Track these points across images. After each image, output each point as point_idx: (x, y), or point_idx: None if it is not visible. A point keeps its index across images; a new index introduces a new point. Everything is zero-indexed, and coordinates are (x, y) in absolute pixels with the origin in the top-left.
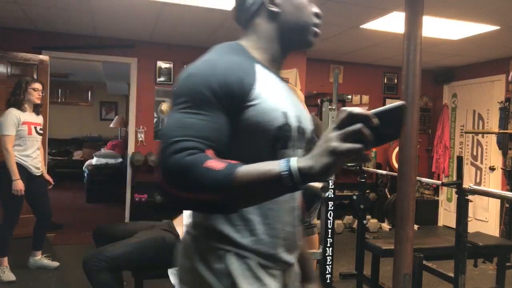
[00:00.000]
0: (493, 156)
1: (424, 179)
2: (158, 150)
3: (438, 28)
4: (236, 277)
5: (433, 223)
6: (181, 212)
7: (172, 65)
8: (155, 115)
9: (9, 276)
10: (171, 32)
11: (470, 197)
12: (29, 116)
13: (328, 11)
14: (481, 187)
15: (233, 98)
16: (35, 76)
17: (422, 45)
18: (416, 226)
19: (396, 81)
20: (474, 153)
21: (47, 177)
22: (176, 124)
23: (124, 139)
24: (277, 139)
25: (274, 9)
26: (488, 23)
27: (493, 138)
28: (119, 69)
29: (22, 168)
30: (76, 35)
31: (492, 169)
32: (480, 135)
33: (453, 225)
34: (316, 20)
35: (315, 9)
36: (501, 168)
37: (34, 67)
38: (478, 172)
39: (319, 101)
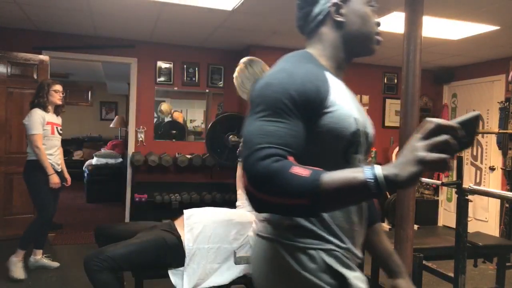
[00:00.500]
0: (493, 156)
1: (424, 179)
2: (243, 156)
3: (438, 28)
4: (337, 268)
5: (433, 223)
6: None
7: (172, 65)
8: (155, 115)
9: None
10: (171, 32)
11: (470, 197)
12: (51, 117)
13: None
14: (481, 187)
15: (310, 106)
16: (35, 76)
17: (422, 45)
18: (416, 226)
19: (396, 81)
20: (474, 153)
21: (67, 175)
22: (258, 131)
23: (124, 139)
24: (350, 144)
25: (340, 19)
26: (488, 23)
27: (493, 138)
28: (119, 69)
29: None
30: (76, 35)
31: (492, 169)
32: (480, 135)
33: (453, 225)
34: (378, 29)
35: (377, 19)
36: (501, 168)
37: (34, 67)
38: (478, 172)
39: None
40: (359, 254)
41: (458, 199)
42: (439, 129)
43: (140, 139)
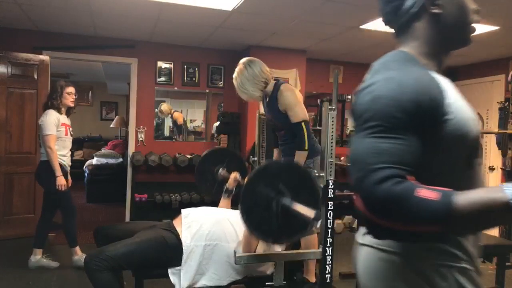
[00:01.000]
0: (493, 156)
1: None
2: (355, 178)
3: None
4: None
5: None
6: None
7: (172, 65)
8: (155, 115)
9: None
10: (171, 32)
11: None
12: (65, 118)
13: (327, 12)
14: None
15: (426, 116)
16: (35, 76)
17: None
18: None
19: None
20: None
21: (69, 176)
22: (371, 150)
23: (125, 139)
24: (473, 148)
25: (437, 10)
26: (488, 23)
27: (493, 138)
28: (120, 69)
29: (60, 166)
30: (76, 35)
31: (491, 169)
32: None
33: None
34: (477, 17)
35: (474, 5)
36: (501, 168)
37: (34, 67)
38: None
39: (318, 101)
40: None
41: None
42: None
43: (141, 139)
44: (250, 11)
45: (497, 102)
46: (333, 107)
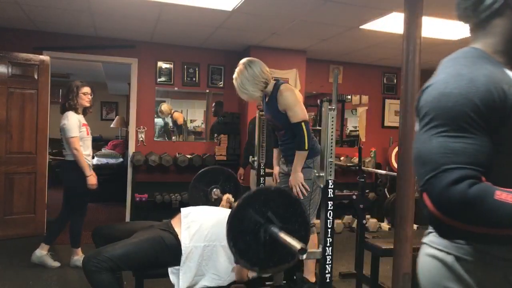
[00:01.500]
0: None
1: None
2: (424, 178)
3: (437, 28)
4: None
5: None
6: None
7: (172, 65)
8: (156, 115)
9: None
10: (171, 32)
11: None
12: (83, 119)
13: (328, 12)
14: None
15: (499, 115)
16: (35, 77)
17: (421, 45)
18: (415, 226)
19: (395, 81)
20: None
21: None
22: (441, 149)
23: (125, 139)
24: None
25: None
26: None
27: None
28: (120, 69)
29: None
30: (76, 36)
31: None
32: None
33: None
34: None
35: None
36: None
37: (35, 67)
38: None
39: (318, 101)
40: None
41: None
42: None
43: (141, 139)
44: (250, 11)
45: None
46: (333, 107)
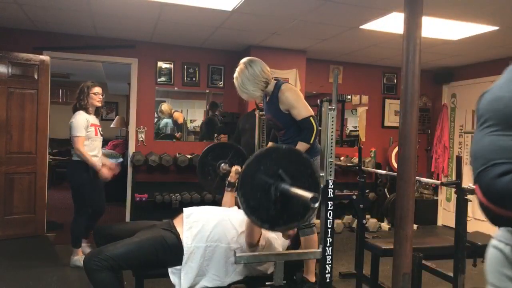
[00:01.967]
0: None
1: (423, 179)
2: (476, 172)
3: (437, 28)
4: None
5: (432, 222)
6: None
7: (172, 65)
8: (156, 115)
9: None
10: (171, 32)
11: (469, 196)
12: (93, 119)
13: (328, 12)
14: None
15: None
16: (35, 77)
17: (421, 45)
18: (415, 226)
19: (395, 81)
20: None
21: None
22: (491, 146)
23: (125, 139)
24: None
25: None
26: (487, 24)
27: None
28: (120, 69)
29: (90, 166)
30: (76, 36)
31: None
32: None
33: (453, 224)
34: None
35: None
36: None
37: (35, 68)
38: None
39: (318, 101)
40: None
41: (457, 199)
42: None
43: (141, 139)
44: (250, 12)
45: None
46: (333, 107)
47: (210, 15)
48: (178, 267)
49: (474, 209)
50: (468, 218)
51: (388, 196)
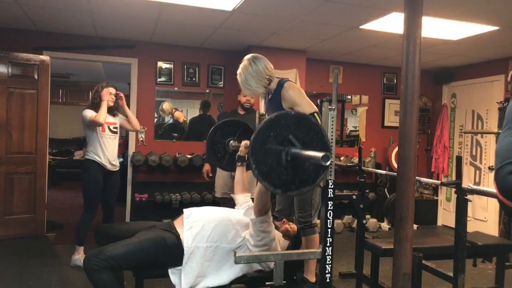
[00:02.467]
0: (492, 156)
1: (423, 179)
2: (495, 168)
3: (437, 28)
4: None
5: (432, 222)
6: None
7: (172, 65)
8: (156, 115)
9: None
10: (171, 32)
11: (469, 196)
12: (108, 117)
13: (327, 12)
14: (480, 187)
15: None
16: (35, 77)
17: (421, 45)
18: (415, 226)
19: (395, 81)
20: (473, 153)
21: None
22: (508, 146)
23: (125, 139)
24: None
25: None
26: (487, 24)
27: (492, 138)
28: (120, 69)
29: (97, 165)
30: (76, 36)
31: (491, 169)
32: (479, 135)
33: (452, 224)
34: None
35: None
36: None
37: (35, 67)
38: (477, 172)
39: (318, 101)
40: None
41: (457, 199)
42: None
43: (141, 139)
44: (250, 11)
45: (497, 102)
46: (333, 107)
47: (210, 15)
48: (178, 267)
49: (474, 209)
50: (468, 218)
51: (388, 196)
